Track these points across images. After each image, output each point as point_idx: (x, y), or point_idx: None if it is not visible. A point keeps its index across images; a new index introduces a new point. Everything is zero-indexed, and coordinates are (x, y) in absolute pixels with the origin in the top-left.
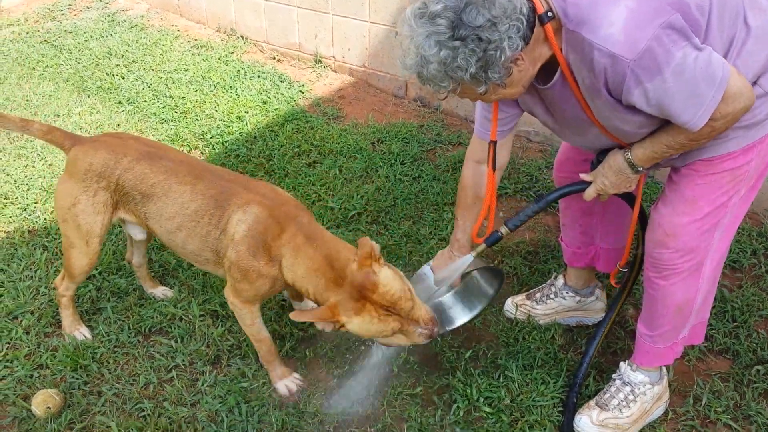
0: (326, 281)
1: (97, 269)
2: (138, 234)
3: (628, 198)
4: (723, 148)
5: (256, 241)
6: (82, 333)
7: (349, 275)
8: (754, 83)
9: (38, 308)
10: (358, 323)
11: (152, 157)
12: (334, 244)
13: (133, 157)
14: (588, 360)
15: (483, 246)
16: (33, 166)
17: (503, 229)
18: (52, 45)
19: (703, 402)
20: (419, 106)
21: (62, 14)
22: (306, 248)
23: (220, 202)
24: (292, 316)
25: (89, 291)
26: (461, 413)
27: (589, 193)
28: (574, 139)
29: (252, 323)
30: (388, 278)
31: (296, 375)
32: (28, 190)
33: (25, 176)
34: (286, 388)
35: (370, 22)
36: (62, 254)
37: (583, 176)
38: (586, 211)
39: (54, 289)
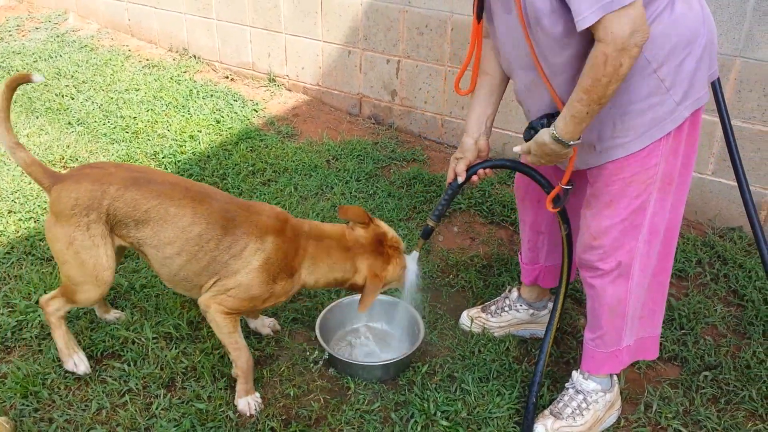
0: (350, 261)
1: (46, 293)
2: None
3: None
4: (625, 150)
5: (277, 267)
6: (81, 361)
7: (362, 240)
8: (654, 70)
9: None
10: (392, 271)
11: (139, 183)
12: (334, 231)
13: (120, 185)
14: (540, 371)
15: (421, 241)
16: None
17: (430, 222)
18: (0, 66)
19: (654, 408)
20: (373, 124)
21: (10, 35)
22: (320, 251)
23: (227, 228)
24: (361, 309)
25: (39, 316)
26: (419, 428)
27: (525, 161)
28: (520, 79)
29: (233, 331)
30: (385, 225)
31: (257, 395)
32: None
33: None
34: (248, 406)
35: (323, 41)
36: (62, 283)
37: (516, 149)
38: (535, 229)
39: (40, 308)
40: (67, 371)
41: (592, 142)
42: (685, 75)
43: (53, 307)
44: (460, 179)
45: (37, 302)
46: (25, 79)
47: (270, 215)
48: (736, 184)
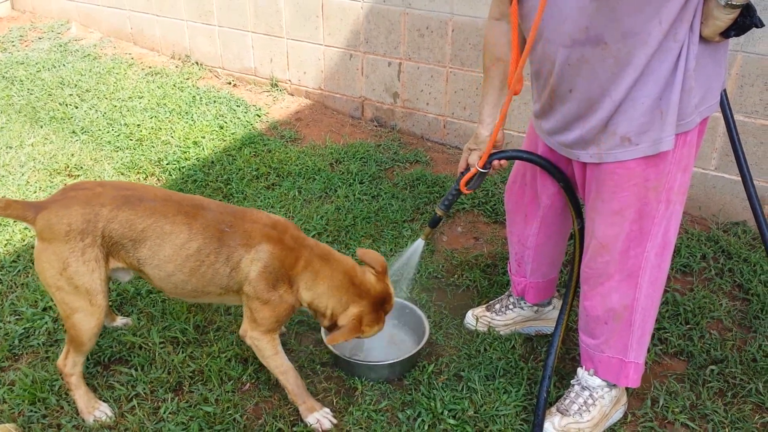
0: (349, 296)
1: (52, 301)
2: (125, 276)
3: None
4: (655, 147)
5: (274, 275)
6: (103, 411)
7: (370, 288)
8: (692, 69)
9: None
10: (374, 331)
11: (131, 201)
12: (344, 260)
13: (113, 206)
14: (549, 372)
15: (429, 229)
16: None
17: (438, 211)
18: (3, 77)
19: (661, 403)
20: (376, 126)
21: (13, 45)
22: (324, 269)
23: (223, 240)
24: (329, 341)
25: (45, 323)
26: (426, 427)
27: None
28: (561, 57)
29: (275, 353)
30: (393, 290)
31: (327, 410)
32: None
33: None
34: (318, 423)
35: (325, 45)
36: (64, 329)
37: None
38: (522, 242)
39: (59, 373)
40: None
41: (628, 133)
42: (705, 78)
43: (69, 365)
44: (472, 170)
45: (44, 309)
46: None
47: (266, 224)
48: (739, 178)
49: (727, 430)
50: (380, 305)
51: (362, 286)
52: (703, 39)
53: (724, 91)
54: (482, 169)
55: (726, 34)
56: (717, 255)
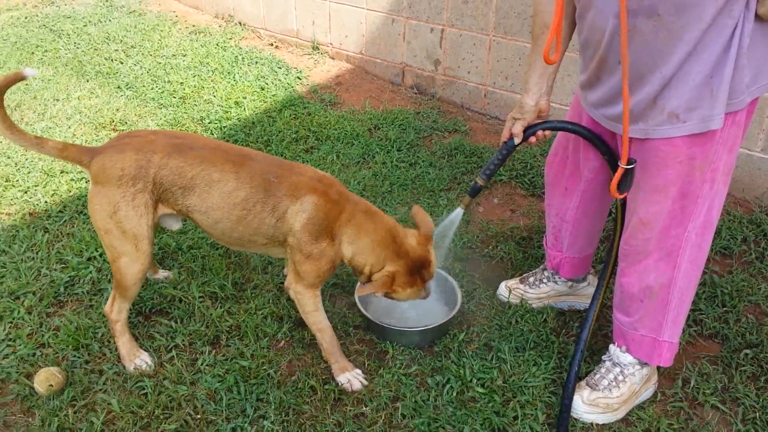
0: (388, 253)
1: (97, 250)
2: (175, 224)
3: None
4: (704, 125)
5: (318, 227)
6: (143, 360)
7: (410, 250)
8: (746, 47)
9: (40, 289)
10: (407, 294)
11: (182, 149)
12: (387, 218)
13: (164, 153)
14: (582, 347)
15: (468, 198)
16: None
17: (479, 180)
18: (51, 30)
19: (692, 384)
20: (416, 93)
21: None
22: (367, 224)
23: (270, 190)
24: (358, 291)
25: (90, 272)
26: (454, 393)
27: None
28: (611, 28)
29: (315, 309)
30: (436, 258)
31: (359, 371)
32: (29, 173)
33: (26, 159)
34: (349, 383)
35: (368, 9)
36: (109, 276)
37: None
38: (560, 216)
39: (107, 319)
40: None
41: (677, 110)
42: (757, 58)
43: (115, 311)
44: (517, 140)
45: (89, 259)
46: (17, 79)
47: (312, 177)
48: None
49: (758, 414)
50: (417, 269)
51: (402, 247)
52: (758, 18)
53: None
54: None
55: None
56: (758, 238)
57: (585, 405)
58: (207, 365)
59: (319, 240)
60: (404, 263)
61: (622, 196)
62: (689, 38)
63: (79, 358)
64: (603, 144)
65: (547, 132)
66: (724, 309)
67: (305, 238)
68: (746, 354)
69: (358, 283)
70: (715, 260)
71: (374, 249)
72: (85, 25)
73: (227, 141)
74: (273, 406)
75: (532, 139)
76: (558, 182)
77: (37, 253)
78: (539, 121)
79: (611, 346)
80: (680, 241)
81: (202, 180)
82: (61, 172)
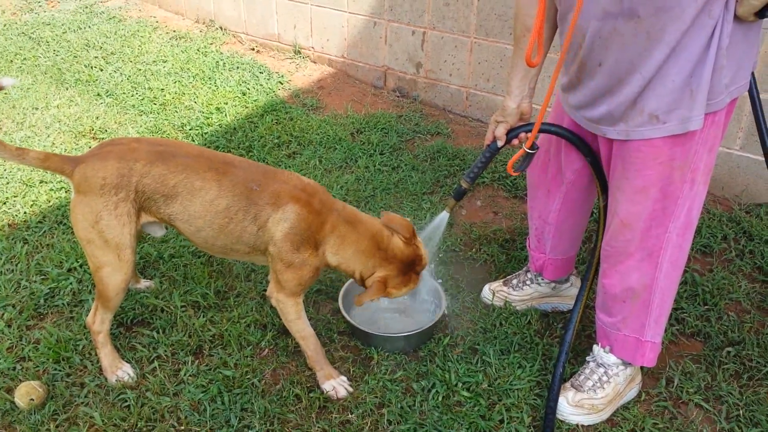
0: (375, 260)
1: (77, 261)
2: (159, 231)
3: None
4: (684, 126)
5: (299, 237)
6: (125, 372)
7: (398, 252)
8: (725, 47)
9: (19, 301)
10: (405, 292)
11: (165, 157)
12: (371, 223)
13: (146, 161)
14: (566, 349)
15: (452, 201)
16: None
17: (464, 183)
18: (30, 37)
19: (675, 383)
20: (398, 97)
21: (40, 6)
22: (350, 233)
23: (252, 198)
24: (356, 303)
25: (71, 284)
26: (440, 398)
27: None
28: (593, 30)
29: (298, 317)
30: (423, 247)
31: (344, 378)
32: (8, 183)
33: (4, 170)
34: (334, 390)
35: (349, 13)
36: (93, 284)
37: None
38: (542, 218)
39: (88, 330)
40: None
41: (657, 111)
42: (737, 58)
43: (98, 322)
44: (500, 143)
45: (69, 270)
46: None
47: (296, 185)
48: (764, 159)
49: (741, 412)
50: (409, 267)
51: (389, 251)
52: (737, 18)
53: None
54: (529, 150)
55: (761, 14)
56: (738, 236)
57: (570, 406)
58: (190, 375)
59: (300, 250)
60: (394, 267)
61: (515, 174)
62: (669, 39)
63: (60, 371)
64: (585, 146)
65: (530, 134)
66: (706, 307)
67: (286, 247)
68: (728, 352)
69: (342, 289)
70: (695, 258)
71: (359, 258)
72: (64, 32)
73: (209, 147)
74: (258, 416)
75: (515, 141)
76: (540, 184)
77: (16, 265)
78: (522, 123)
79: (595, 347)
80: (661, 242)
81: (184, 188)
82: (41, 182)
